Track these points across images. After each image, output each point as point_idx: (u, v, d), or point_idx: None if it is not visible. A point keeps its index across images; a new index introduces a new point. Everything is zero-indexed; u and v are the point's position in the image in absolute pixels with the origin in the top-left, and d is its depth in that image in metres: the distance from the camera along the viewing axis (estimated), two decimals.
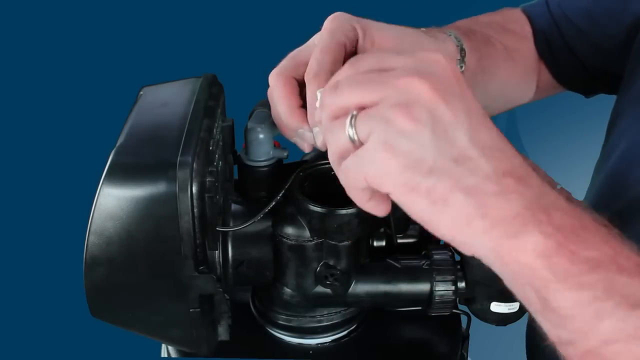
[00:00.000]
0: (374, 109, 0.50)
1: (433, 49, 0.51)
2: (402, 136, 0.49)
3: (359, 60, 0.55)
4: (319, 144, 0.63)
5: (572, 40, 0.93)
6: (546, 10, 0.94)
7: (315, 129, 0.63)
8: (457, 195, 0.48)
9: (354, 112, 0.51)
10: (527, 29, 0.94)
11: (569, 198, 0.52)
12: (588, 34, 0.91)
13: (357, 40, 0.65)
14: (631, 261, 0.50)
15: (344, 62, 0.61)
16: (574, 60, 0.94)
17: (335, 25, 0.65)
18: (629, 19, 0.86)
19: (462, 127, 0.49)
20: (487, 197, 0.48)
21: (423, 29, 0.74)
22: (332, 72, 0.58)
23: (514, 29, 0.93)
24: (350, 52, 0.65)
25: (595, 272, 0.48)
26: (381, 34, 0.66)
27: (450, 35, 0.77)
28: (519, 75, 0.92)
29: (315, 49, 0.64)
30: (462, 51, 0.77)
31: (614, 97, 0.97)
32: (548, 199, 0.49)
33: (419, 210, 0.50)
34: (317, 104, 0.59)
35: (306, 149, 0.66)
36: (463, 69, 0.77)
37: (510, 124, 2.05)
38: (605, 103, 1.02)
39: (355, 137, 0.51)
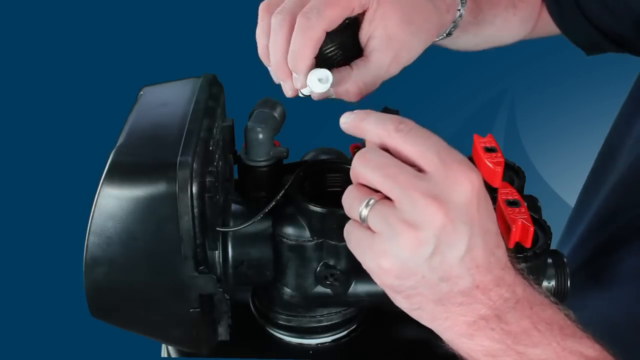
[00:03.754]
0: (389, 213, 0.54)
1: (467, 164, 0.54)
2: (403, 251, 0.53)
3: (403, 144, 0.55)
4: (298, 87, 0.68)
5: None
6: None
7: (295, 76, 0.67)
8: (429, 304, 0.56)
9: (374, 199, 0.55)
10: None
11: (538, 294, 0.58)
12: None
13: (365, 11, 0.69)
14: (577, 356, 0.57)
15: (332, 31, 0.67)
16: (579, 14, 0.93)
17: None
18: None
19: (460, 250, 0.54)
20: (453, 306, 0.56)
21: None
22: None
23: None
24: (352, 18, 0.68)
25: None
26: (391, 11, 0.69)
27: None
28: (517, 22, 0.92)
29: None
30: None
31: (614, 98, 0.97)
32: (508, 305, 0.56)
33: (398, 303, 0.57)
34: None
35: (290, 93, 0.70)
36: (462, 11, 0.79)
37: (510, 124, 2.05)
38: (605, 103, 1.02)
39: (366, 220, 0.55)
